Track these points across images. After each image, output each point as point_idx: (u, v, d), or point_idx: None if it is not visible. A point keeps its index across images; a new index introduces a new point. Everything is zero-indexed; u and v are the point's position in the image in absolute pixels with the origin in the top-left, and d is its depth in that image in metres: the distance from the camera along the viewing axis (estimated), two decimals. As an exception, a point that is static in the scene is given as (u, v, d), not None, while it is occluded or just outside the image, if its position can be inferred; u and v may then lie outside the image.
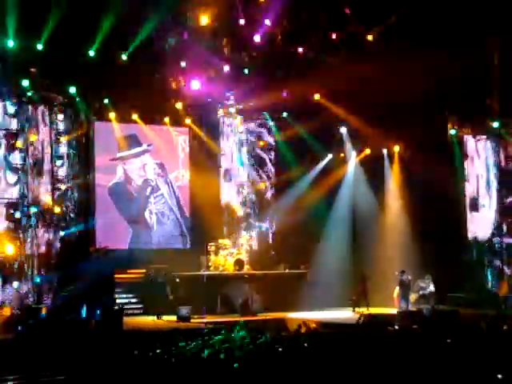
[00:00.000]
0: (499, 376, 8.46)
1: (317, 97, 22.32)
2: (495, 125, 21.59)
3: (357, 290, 21.32)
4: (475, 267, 22.13)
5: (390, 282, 20.83)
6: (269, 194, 24.65)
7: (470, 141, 22.75)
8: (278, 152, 24.44)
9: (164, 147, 23.02)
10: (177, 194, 23.21)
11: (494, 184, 22.35)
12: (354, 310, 20.57)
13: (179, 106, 22.10)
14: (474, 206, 22.59)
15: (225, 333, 12.03)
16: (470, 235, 22.60)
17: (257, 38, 20.36)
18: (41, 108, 19.94)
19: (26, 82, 19.10)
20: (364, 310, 19.80)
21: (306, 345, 10.76)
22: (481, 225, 22.57)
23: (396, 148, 23.99)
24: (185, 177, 23.39)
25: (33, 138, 19.78)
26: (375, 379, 9.11)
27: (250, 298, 20.30)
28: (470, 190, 22.82)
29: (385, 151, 24.26)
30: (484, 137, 22.47)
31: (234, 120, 24.06)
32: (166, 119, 22.62)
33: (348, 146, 24.49)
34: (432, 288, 20.60)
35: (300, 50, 21.08)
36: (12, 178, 19.35)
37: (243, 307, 20.02)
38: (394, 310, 19.60)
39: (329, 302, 20.89)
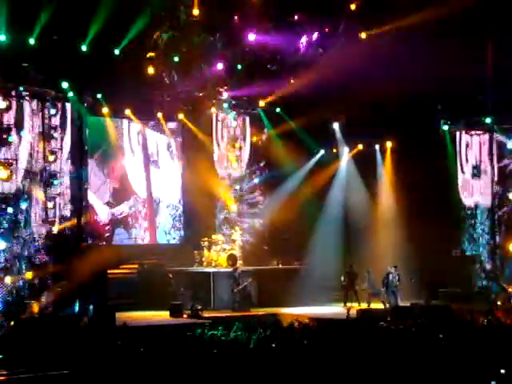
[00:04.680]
0: (502, 371, 8.46)
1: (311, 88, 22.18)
2: (488, 121, 21.62)
3: (345, 286, 21.35)
4: (467, 262, 22.17)
5: (381, 277, 20.84)
6: (262, 189, 24.65)
7: (462, 136, 22.75)
8: (271, 147, 24.43)
9: (157, 142, 23.00)
10: (170, 190, 23.23)
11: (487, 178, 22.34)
12: (344, 306, 20.62)
13: (172, 101, 22.03)
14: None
15: (222, 329, 12.04)
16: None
17: (251, 37, 20.31)
18: (33, 103, 19.83)
19: (18, 77, 18.98)
20: (354, 305, 19.81)
21: (305, 342, 10.80)
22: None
23: (388, 144, 24.03)
24: (178, 173, 23.37)
25: (25, 133, 19.68)
26: (368, 373, 9.13)
27: (244, 294, 20.30)
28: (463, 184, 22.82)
29: (377, 147, 24.29)
30: (477, 132, 22.48)
31: (227, 115, 24.04)
32: (159, 114, 22.59)
33: (340, 141, 24.51)
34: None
35: (293, 44, 21.03)
36: (4, 173, 19.24)
37: (236, 302, 20.03)
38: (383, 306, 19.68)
39: (321, 297, 20.94)
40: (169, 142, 23.29)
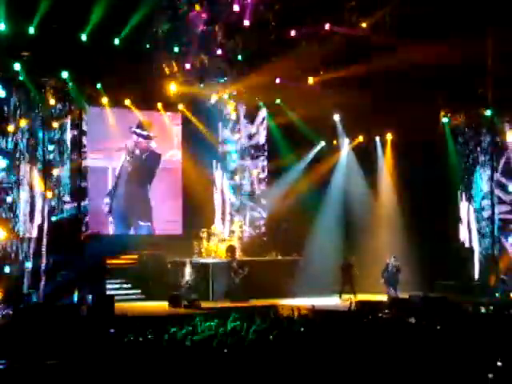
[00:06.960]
0: (499, 363, 8.46)
1: (310, 81, 22.09)
2: (488, 113, 21.54)
3: (341, 277, 21.37)
4: (465, 254, 22.16)
5: (380, 268, 20.86)
6: (261, 181, 24.66)
7: (462, 129, 22.66)
8: (271, 139, 24.43)
9: (156, 133, 22.99)
10: (169, 180, 23.24)
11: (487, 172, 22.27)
12: (340, 297, 20.66)
13: (172, 91, 21.99)
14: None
15: (218, 321, 12.02)
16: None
17: (246, 22, 20.10)
18: (33, 92, 19.82)
19: (17, 66, 18.94)
20: (351, 297, 19.83)
21: (301, 329, 10.81)
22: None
23: (389, 136, 23.99)
24: (177, 163, 23.36)
25: (24, 122, 19.67)
26: (368, 366, 9.14)
27: (242, 285, 20.33)
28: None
29: (377, 139, 24.26)
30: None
31: (227, 106, 24.00)
32: (159, 104, 22.56)
33: (341, 133, 24.48)
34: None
35: (293, 34, 20.89)
36: (3, 162, 19.25)
37: (235, 293, 20.07)
38: (382, 297, 19.69)
39: (320, 289, 20.96)
40: (168, 133, 23.26)
